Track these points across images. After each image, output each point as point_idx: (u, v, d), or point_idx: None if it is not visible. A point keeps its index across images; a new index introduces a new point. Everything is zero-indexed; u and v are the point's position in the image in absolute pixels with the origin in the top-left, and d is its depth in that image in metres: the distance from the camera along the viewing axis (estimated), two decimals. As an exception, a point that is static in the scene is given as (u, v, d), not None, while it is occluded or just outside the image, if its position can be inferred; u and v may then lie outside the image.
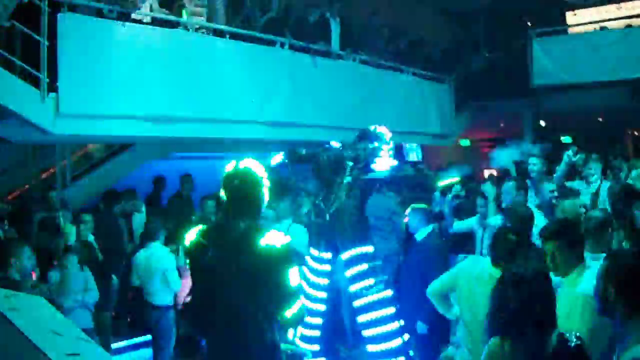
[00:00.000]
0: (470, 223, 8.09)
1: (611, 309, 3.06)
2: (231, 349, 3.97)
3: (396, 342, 5.86)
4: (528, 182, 8.20)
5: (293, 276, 3.94)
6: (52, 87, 8.05)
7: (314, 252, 6.18)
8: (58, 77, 8.06)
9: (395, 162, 6.48)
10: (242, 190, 4.05)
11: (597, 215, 4.97)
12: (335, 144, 6.57)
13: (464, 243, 8.18)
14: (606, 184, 8.37)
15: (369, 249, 6.01)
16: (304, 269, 6.18)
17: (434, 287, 5.20)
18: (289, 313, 3.90)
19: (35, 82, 7.94)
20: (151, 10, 9.47)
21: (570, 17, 16.42)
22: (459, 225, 8.21)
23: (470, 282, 4.73)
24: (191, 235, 4.10)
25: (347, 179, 6.10)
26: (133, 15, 9.08)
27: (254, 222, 4.04)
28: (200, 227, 4.18)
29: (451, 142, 16.25)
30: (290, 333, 4.05)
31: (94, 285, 6.93)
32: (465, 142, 18.04)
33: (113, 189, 9.06)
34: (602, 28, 14.94)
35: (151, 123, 9.08)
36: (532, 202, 7.80)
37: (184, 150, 10.87)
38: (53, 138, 8.44)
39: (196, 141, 10.28)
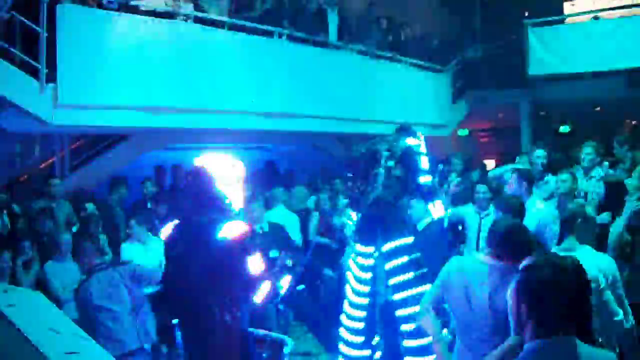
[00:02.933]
0: (463, 211, 8.14)
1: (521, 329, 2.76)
2: (200, 335, 4.15)
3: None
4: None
5: (253, 263, 4.16)
6: (51, 78, 8.11)
7: (359, 247, 6.21)
8: (57, 68, 8.12)
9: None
10: (197, 187, 4.30)
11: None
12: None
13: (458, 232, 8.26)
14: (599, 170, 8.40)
15: (408, 240, 6.01)
16: (351, 263, 6.25)
17: (425, 301, 4.81)
18: (257, 299, 4.06)
19: (34, 73, 8.01)
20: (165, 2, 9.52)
21: (568, 7, 16.46)
22: (453, 215, 8.25)
23: (466, 279, 4.62)
24: (167, 230, 4.39)
25: (381, 171, 6.15)
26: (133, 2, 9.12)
27: (213, 215, 4.22)
28: (176, 221, 4.43)
29: (449, 132, 16.29)
30: None
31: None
32: (463, 132, 18.09)
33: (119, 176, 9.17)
34: (596, 18, 14.95)
35: (149, 114, 9.14)
36: (539, 194, 7.89)
37: (183, 141, 10.92)
38: (51, 128, 8.49)
39: (194, 132, 10.33)
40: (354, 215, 6.43)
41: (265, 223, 7.58)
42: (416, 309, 5.78)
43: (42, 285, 6.52)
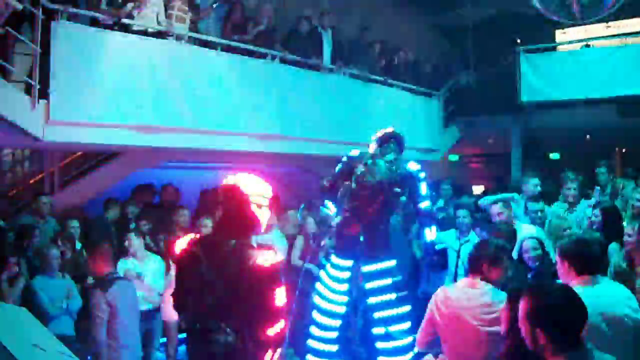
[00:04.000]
0: (445, 238, 8.12)
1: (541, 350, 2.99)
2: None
3: (407, 357, 5.94)
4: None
5: (279, 296, 3.97)
6: (44, 94, 8.10)
7: (335, 259, 6.22)
8: (49, 84, 8.11)
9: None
10: (231, 208, 4.13)
11: None
12: (355, 152, 6.71)
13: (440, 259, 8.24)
14: (585, 203, 8.47)
15: (391, 263, 6.05)
16: (322, 273, 6.26)
17: (419, 342, 4.84)
18: (271, 331, 3.95)
19: (27, 89, 7.99)
20: (158, 21, 9.53)
21: (560, 35, 16.63)
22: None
23: (453, 304, 4.58)
24: (182, 244, 4.15)
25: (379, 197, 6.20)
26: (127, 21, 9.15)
27: (244, 239, 4.08)
28: (192, 236, 4.23)
29: (439, 157, 16.34)
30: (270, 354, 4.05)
31: (77, 292, 6.96)
32: (454, 157, 18.16)
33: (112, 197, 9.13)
34: (587, 45, 15.11)
35: (140, 132, 9.13)
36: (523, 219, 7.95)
37: (174, 159, 10.91)
38: (43, 145, 8.47)
39: (185, 151, 10.33)
40: (332, 207, 6.45)
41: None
42: (393, 328, 5.86)
43: (28, 301, 6.46)
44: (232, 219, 4.12)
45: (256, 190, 4.17)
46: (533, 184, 9.05)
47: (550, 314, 2.97)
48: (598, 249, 4.58)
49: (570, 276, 4.25)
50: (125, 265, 7.38)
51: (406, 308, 6.02)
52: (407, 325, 5.97)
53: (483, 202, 8.46)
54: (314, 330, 6.23)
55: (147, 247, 7.86)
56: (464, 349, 4.42)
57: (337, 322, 6.21)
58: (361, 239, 6.18)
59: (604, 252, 5.51)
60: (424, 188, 6.55)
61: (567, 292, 3.12)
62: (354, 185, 6.41)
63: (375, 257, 6.09)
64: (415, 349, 5.42)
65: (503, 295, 4.33)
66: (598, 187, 8.84)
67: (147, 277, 7.45)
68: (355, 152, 6.89)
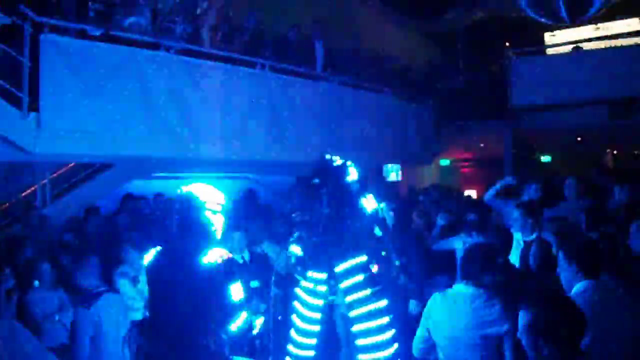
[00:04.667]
0: (452, 242, 8.12)
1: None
2: None
3: (388, 352, 5.92)
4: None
5: (235, 291, 4.24)
6: (33, 107, 8.09)
7: (310, 273, 6.20)
8: (39, 97, 8.11)
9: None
10: (184, 214, 4.35)
11: None
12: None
13: (447, 264, 8.22)
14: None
15: (362, 258, 6.05)
16: (298, 290, 6.24)
17: (415, 349, 4.84)
18: (233, 327, 4.10)
19: (16, 102, 7.99)
20: (144, 29, 9.54)
21: (548, 38, 16.70)
22: (442, 244, 8.23)
23: (446, 309, 4.58)
24: (150, 256, 4.42)
25: (324, 197, 6.17)
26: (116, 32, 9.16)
27: (199, 242, 4.27)
28: (158, 248, 4.46)
29: (431, 162, 16.37)
30: None
31: (70, 304, 6.92)
32: (445, 162, 18.19)
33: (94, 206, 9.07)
34: (577, 48, 15.18)
35: (130, 143, 9.13)
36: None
37: (164, 170, 10.90)
38: (34, 157, 8.46)
39: (174, 161, 10.32)
40: (297, 250, 6.41)
41: (247, 252, 7.54)
42: (372, 324, 5.86)
43: (21, 315, 6.42)
44: (184, 223, 4.35)
45: (210, 197, 4.41)
46: (534, 190, 9.02)
47: (553, 325, 3.02)
48: (605, 247, 4.58)
49: (576, 280, 4.25)
50: (124, 269, 7.39)
51: (383, 303, 6.00)
52: (385, 320, 5.95)
53: (488, 197, 8.46)
54: (291, 348, 6.21)
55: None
56: (458, 353, 4.42)
57: (314, 340, 6.17)
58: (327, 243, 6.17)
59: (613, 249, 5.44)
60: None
61: (567, 302, 3.19)
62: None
63: (344, 255, 6.06)
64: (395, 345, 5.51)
65: (496, 300, 4.34)
66: None
67: (141, 283, 7.43)
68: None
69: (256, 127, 10.88)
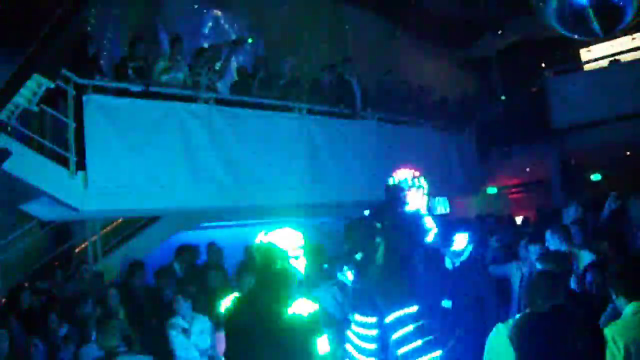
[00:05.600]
0: (506, 269, 8.00)
1: None
2: None
3: None
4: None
5: (321, 344, 4.08)
6: (81, 166, 8.30)
7: (358, 317, 6.13)
8: (85, 155, 8.32)
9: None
10: (265, 265, 4.27)
11: None
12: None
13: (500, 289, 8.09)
14: None
15: (413, 309, 5.94)
16: (349, 333, 6.16)
17: None
18: None
19: (64, 162, 8.21)
20: (185, 82, 9.74)
21: (585, 54, 16.51)
22: (492, 269, 8.11)
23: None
24: (227, 302, 4.38)
25: (378, 240, 6.11)
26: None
27: (281, 292, 4.16)
28: (236, 294, 4.46)
29: (478, 191, 16.20)
30: None
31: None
32: (492, 190, 17.96)
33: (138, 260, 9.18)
34: (615, 61, 14.98)
35: (176, 195, 9.26)
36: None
37: (210, 220, 11.00)
38: (83, 215, 8.65)
39: (220, 210, 10.42)
40: (350, 275, 6.30)
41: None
42: None
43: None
44: (268, 275, 4.24)
45: (289, 243, 4.29)
46: (573, 210, 8.88)
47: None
48: None
49: (621, 303, 4.16)
50: (174, 321, 7.50)
51: (436, 354, 5.88)
52: (436, 354, 5.83)
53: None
54: None
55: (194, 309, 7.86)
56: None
57: None
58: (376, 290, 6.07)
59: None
60: (428, 222, 6.44)
61: None
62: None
63: (393, 305, 5.95)
64: None
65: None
66: None
67: (193, 335, 7.50)
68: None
69: (298, 170, 10.94)
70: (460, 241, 6.62)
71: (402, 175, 6.57)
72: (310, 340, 4.02)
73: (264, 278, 4.26)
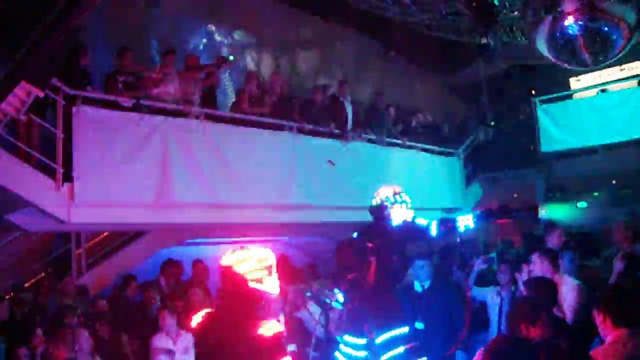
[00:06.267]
0: (485, 293, 8.03)
1: None
2: None
3: None
4: None
5: None
6: (68, 178, 8.22)
7: (348, 338, 6.11)
8: (73, 167, 8.25)
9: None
10: (228, 286, 4.24)
11: None
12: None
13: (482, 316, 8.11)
14: None
15: (403, 330, 5.94)
16: (337, 354, 6.14)
17: None
18: None
19: (51, 173, 8.13)
20: (172, 98, 9.73)
21: (574, 83, 16.65)
22: (476, 292, 8.15)
23: None
24: (198, 318, 4.32)
25: (370, 260, 6.10)
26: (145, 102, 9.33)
27: (246, 312, 4.15)
28: (207, 310, 4.38)
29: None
30: None
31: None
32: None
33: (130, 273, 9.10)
34: (604, 90, 15.14)
35: (163, 210, 9.20)
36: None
37: (197, 236, 10.94)
38: (68, 227, 8.56)
39: (209, 227, 10.36)
40: (340, 297, 6.29)
41: (282, 316, 7.45)
42: None
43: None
44: (230, 299, 4.24)
45: (253, 266, 4.23)
46: (557, 236, 8.89)
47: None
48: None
49: (607, 329, 4.15)
50: (158, 343, 7.48)
51: None
52: None
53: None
54: None
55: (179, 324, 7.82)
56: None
57: None
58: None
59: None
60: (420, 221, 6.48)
61: None
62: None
63: (384, 325, 5.94)
64: None
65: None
66: None
67: (177, 353, 7.45)
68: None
69: (285, 189, 10.90)
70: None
71: (384, 193, 6.56)
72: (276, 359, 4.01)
73: (230, 297, 4.25)
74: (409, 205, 6.64)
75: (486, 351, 3.30)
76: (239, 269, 4.22)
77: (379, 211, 6.52)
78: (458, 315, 7.39)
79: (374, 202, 6.58)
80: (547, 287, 5.97)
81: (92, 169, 8.49)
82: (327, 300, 6.37)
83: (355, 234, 6.57)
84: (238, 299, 4.20)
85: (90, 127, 8.58)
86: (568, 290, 6.73)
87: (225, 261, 4.26)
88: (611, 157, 14.19)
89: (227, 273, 4.24)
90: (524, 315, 4.47)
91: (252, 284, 4.20)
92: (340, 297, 6.22)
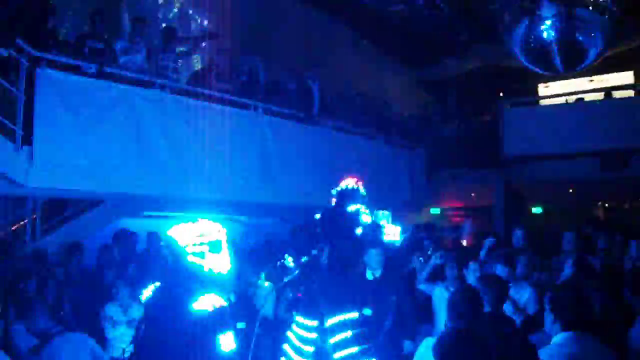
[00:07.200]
0: (433, 288, 8.11)
1: None
2: None
3: None
4: None
5: (225, 341, 4.08)
6: (27, 141, 8.07)
7: (299, 319, 6.16)
8: (33, 130, 8.10)
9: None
10: (171, 258, 4.33)
11: None
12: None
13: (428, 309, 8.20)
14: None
15: (353, 315, 5.99)
16: (289, 334, 6.18)
17: None
18: None
19: (10, 135, 7.97)
20: (139, 67, 9.59)
21: (542, 89, 16.86)
22: (425, 287, 8.26)
23: None
24: (148, 291, 4.41)
25: (322, 246, 6.14)
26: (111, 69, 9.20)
27: (189, 286, 4.17)
28: (157, 284, 4.45)
29: (421, 210, 16.34)
30: None
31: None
32: (435, 211, 18.15)
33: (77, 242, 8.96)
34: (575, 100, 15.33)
35: (122, 180, 9.10)
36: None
37: (154, 209, 10.84)
38: (26, 191, 8.42)
39: (165, 200, 10.28)
40: (291, 260, 6.39)
41: (233, 294, 7.46)
42: None
43: (7, 346, 6.31)
44: (174, 268, 4.30)
45: (193, 240, 4.28)
46: (517, 238, 9.03)
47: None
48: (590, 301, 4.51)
49: (555, 331, 4.22)
50: (107, 312, 7.44)
51: None
52: None
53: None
54: None
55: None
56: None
57: None
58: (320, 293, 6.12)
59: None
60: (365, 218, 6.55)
61: None
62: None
63: (335, 309, 6.01)
64: None
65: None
66: None
67: (125, 324, 7.45)
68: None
69: (247, 168, 10.90)
70: (394, 232, 6.76)
71: (345, 183, 6.63)
72: (212, 336, 4.04)
73: (174, 271, 4.29)
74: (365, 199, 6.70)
75: (436, 345, 3.34)
76: (180, 241, 4.25)
77: (339, 198, 6.57)
78: (406, 306, 7.55)
79: (335, 190, 6.62)
80: (497, 284, 6.04)
81: (53, 133, 8.35)
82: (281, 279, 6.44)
83: (317, 215, 6.61)
84: (176, 273, 4.25)
85: (53, 91, 8.43)
86: (518, 292, 6.87)
87: (168, 233, 4.30)
88: (571, 167, 14.39)
89: (170, 244, 4.30)
90: (464, 306, 4.53)
91: (191, 258, 4.24)
92: (290, 260, 6.31)
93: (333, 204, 6.65)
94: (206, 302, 4.07)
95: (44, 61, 8.37)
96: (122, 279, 7.85)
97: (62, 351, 5.18)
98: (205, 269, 4.30)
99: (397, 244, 7.81)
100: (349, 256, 6.34)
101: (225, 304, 4.22)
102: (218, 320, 4.08)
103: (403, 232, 7.92)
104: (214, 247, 4.36)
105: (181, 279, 4.21)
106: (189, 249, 4.25)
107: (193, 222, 4.37)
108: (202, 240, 4.31)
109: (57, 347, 5.19)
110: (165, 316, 4.12)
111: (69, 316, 7.52)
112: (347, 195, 6.54)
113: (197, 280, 4.23)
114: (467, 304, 4.66)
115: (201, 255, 4.29)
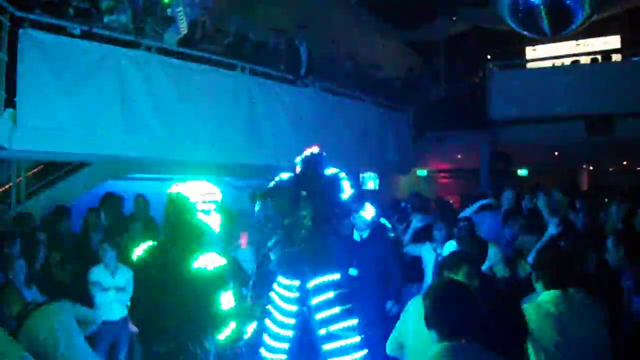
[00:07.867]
0: (420, 249, 8.18)
1: None
2: None
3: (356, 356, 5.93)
4: None
5: (225, 299, 4.08)
6: (10, 103, 7.96)
7: (282, 279, 6.20)
8: (16, 92, 7.98)
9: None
10: (174, 216, 4.25)
11: None
12: (285, 175, 6.62)
13: (416, 269, 8.27)
14: None
15: (335, 276, 6.05)
16: (272, 294, 6.23)
17: (390, 347, 4.80)
18: (221, 336, 4.01)
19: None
20: (124, 27, 9.45)
21: (530, 52, 16.86)
22: (411, 249, 8.34)
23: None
24: (139, 252, 4.31)
25: (308, 209, 6.16)
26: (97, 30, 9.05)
27: (189, 245, 4.17)
28: (149, 244, 4.36)
29: (408, 172, 16.38)
30: None
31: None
32: (422, 173, 18.22)
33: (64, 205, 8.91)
34: (558, 64, 15.34)
35: (107, 142, 9.02)
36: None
37: (141, 171, 10.79)
38: (9, 154, 8.32)
39: (151, 162, 10.22)
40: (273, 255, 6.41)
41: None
42: (343, 343, 5.87)
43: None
44: (175, 226, 4.25)
45: (202, 197, 4.27)
46: (506, 197, 9.13)
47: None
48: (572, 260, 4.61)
49: (540, 290, 4.29)
50: (95, 277, 7.56)
51: (353, 322, 6.01)
52: (356, 339, 5.97)
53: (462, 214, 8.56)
54: (263, 352, 6.20)
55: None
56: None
57: (286, 345, 6.17)
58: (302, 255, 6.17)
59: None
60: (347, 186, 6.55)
61: None
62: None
63: (316, 270, 6.08)
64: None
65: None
66: None
67: (114, 288, 7.51)
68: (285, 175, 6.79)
69: (234, 129, 10.83)
70: (369, 210, 6.82)
71: (310, 151, 6.63)
72: (213, 294, 4.04)
73: (174, 229, 4.25)
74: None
75: (427, 293, 3.37)
76: (190, 197, 4.20)
77: (304, 165, 6.56)
78: (392, 268, 7.67)
79: (299, 158, 6.62)
80: (477, 245, 6.09)
81: (37, 95, 8.19)
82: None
83: (284, 175, 6.61)
84: (182, 230, 4.20)
85: (37, 52, 8.25)
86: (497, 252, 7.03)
87: (175, 188, 4.25)
88: (557, 130, 14.45)
89: (176, 200, 4.22)
90: (449, 265, 4.59)
91: (199, 215, 4.23)
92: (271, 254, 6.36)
93: (297, 171, 6.64)
94: (205, 261, 4.07)
95: (27, 21, 8.20)
96: (109, 242, 7.85)
97: (39, 327, 5.08)
98: (208, 227, 4.32)
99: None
100: (332, 217, 6.39)
101: (225, 262, 4.22)
102: (219, 278, 4.08)
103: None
104: (219, 206, 4.37)
105: (182, 236, 4.19)
106: (199, 206, 4.24)
107: (199, 181, 4.36)
108: (210, 199, 4.30)
109: (34, 325, 5.10)
110: (163, 276, 4.10)
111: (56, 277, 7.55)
112: (315, 162, 6.53)
113: (197, 239, 4.23)
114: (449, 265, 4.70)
115: (207, 212, 4.31)
